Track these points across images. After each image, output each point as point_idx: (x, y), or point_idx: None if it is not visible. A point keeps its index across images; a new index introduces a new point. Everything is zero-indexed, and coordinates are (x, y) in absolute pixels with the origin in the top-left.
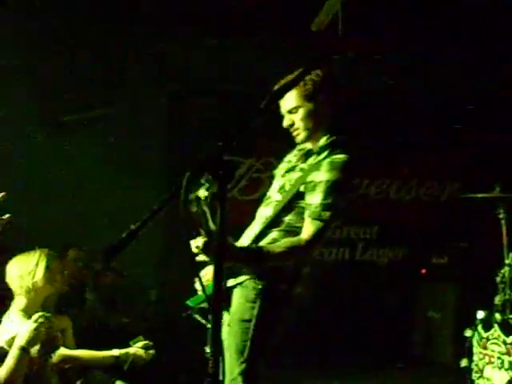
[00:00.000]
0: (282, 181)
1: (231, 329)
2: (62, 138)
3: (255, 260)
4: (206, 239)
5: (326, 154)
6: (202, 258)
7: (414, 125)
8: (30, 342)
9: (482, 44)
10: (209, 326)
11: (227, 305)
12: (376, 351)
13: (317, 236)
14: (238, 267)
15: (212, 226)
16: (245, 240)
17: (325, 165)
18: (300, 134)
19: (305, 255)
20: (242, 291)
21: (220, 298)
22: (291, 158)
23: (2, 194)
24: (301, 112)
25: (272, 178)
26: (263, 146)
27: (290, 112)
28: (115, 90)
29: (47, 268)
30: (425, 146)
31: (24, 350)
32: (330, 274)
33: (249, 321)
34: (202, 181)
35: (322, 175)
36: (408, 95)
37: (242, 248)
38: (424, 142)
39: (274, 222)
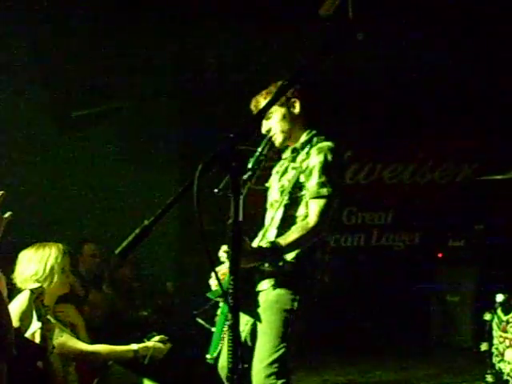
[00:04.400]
0: (280, 184)
1: (270, 316)
2: (74, 132)
3: (271, 256)
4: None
5: (309, 146)
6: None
7: (427, 108)
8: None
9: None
10: (213, 329)
11: (251, 308)
12: (394, 336)
13: (321, 213)
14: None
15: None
16: (264, 245)
17: (313, 152)
18: (278, 137)
19: (316, 235)
20: (283, 286)
21: (238, 293)
22: (281, 164)
23: (1, 192)
24: (275, 117)
25: (266, 189)
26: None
27: (266, 119)
28: (126, 83)
29: (62, 270)
30: (439, 129)
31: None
32: (346, 260)
33: (290, 311)
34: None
35: (313, 160)
36: (420, 79)
37: (256, 248)
38: (438, 124)
39: (287, 221)
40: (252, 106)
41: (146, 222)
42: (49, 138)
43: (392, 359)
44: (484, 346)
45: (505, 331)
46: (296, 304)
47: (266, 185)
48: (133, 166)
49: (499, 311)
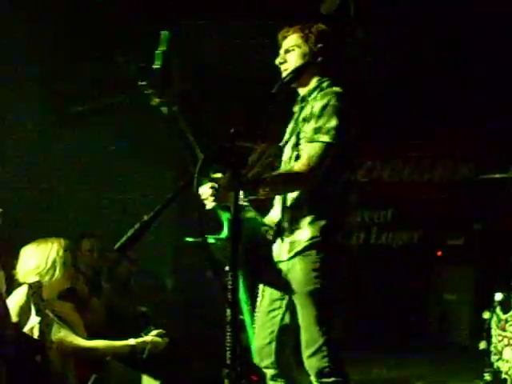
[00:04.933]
0: (293, 139)
1: (303, 302)
2: (73, 126)
3: (256, 187)
4: (213, 186)
5: (318, 90)
6: (210, 205)
7: (428, 105)
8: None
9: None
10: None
11: (280, 283)
12: (393, 334)
13: (314, 158)
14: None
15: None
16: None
17: (318, 96)
18: (287, 70)
19: (307, 180)
20: (305, 261)
21: (236, 289)
22: (292, 121)
23: None
24: (296, 52)
25: (281, 149)
26: (275, 132)
27: (286, 51)
28: (125, 79)
29: (64, 264)
30: (438, 127)
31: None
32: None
33: (322, 291)
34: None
35: (316, 105)
36: (420, 77)
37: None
38: (437, 122)
39: None
40: (279, 36)
41: (146, 218)
42: (47, 132)
43: (389, 357)
44: (482, 345)
45: (503, 330)
46: (326, 282)
47: (280, 144)
48: (132, 160)
49: (498, 310)
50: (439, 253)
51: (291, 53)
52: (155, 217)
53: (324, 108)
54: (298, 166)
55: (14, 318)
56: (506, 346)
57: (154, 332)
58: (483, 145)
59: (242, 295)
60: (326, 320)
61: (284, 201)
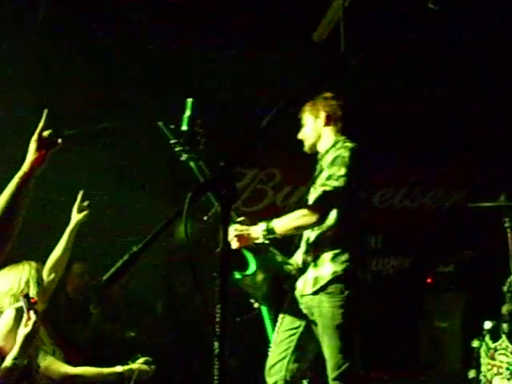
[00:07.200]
0: (312, 186)
1: (330, 333)
2: (63, 149)
3: (270, 233)
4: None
5: (333, 149)
6: (234, 245)
7: (418, 133)
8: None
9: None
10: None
11: (303, 314)
12: (382, 361)
13: (320, 201)
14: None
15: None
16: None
17: (331, 150)
18: (306, 143)
19: (314, 221)
20: (332, 299)
21: (226, 322)
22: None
23: None
24: (307, 127)
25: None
26: (266, 157)
27: (303, 126)
28: (117, 103)
29: (38, 283)
30: (429, 154)
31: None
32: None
33: (346, 325)
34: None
35: (330, 157)
36: (412, 104)
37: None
38: (429, 150)
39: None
40: (299, 115)
41: (135, 249)
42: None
43: None
44: (472, 373)
45: (493, 358)
46: (350, 318)
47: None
48: (122, 184)
49: (487, 338)
50: (429, 280)
51: (305, 129)
52: (144, 248)
53: (335, 159)
54: (308, 207)
55: (1, 343)
56: (496, 374)
57: (141, 359)
58: (474, 172)
59: (269, 326)
60: (348, 349)
61: (307, 239)
